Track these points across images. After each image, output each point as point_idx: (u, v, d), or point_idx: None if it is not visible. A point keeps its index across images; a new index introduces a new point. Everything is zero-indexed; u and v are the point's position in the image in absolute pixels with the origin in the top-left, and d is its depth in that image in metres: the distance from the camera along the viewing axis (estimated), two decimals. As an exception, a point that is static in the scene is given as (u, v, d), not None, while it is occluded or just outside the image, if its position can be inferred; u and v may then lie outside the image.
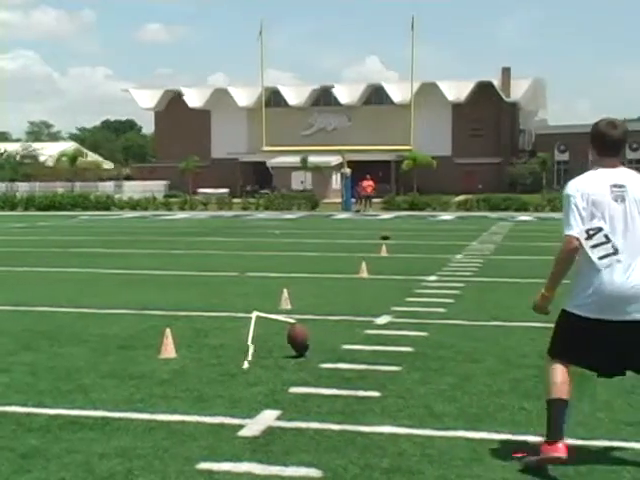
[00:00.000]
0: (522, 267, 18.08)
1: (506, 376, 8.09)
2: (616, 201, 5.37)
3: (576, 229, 5.39)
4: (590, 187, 5.42)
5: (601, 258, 5.39)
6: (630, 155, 76.20)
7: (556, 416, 5.47)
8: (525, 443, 5.95)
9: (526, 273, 16.43)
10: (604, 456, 5.78)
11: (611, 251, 5.38)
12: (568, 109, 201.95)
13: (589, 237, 5.38)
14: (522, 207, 49.78)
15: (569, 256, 5.52)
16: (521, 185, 74.14)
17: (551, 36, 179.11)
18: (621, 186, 5.40)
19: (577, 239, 5.40)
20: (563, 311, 5.57)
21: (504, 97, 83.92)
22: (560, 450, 5.31)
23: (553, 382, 5.52)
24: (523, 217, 42.21)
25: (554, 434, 5.40)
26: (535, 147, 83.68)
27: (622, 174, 5.51)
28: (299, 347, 8.89)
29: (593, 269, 5.41)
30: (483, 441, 6.05)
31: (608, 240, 5.38)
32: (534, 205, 49.83)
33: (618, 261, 5.38)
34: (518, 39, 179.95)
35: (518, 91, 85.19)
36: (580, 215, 5.39)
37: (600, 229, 5.39)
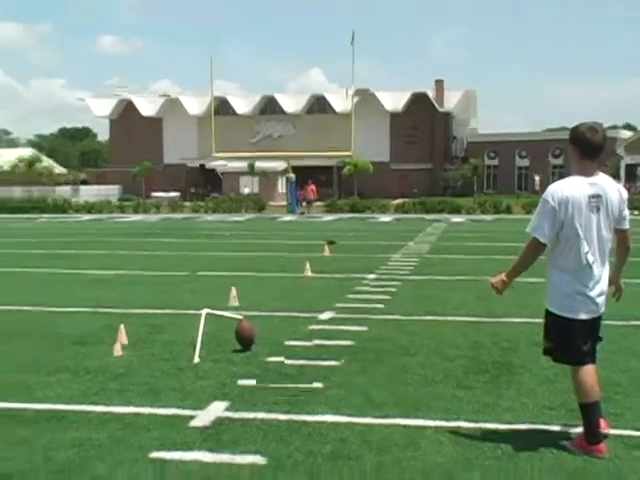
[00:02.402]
0: (455, 265, 18.19)
1: (439, 367, 8.15)
2: (591, 212, 5.48)
3: (546, 237, 5.53)
4: (570, 196, 5.46)
5: (579, 266, 5.54)
6: (553, 161, 77.16)
7: (595, 418, 5.57)
8: (466, 430, 6.01)
9: (459, 271, 16.60)
10: (529, 438, 5.87)
11: (585, 261, 5.52)
12: (496, 119, 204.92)
13: (569, 246, 5.53)
14: (455, 209, 50.05)
15: (535, 257, 5.67)
16: (451, 189, 74.63)
17: (481, 51, 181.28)
18: (597, 196, 5.50)
19: (544, 245, 5.55)
20: (559, 317, 5.62)
21: (438, 107, 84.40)
22: (605, 450, 5.48)
23: (590, 386, 5.56)
24: (456, 219, 42.45)
25: (598, 436, 5.53)
26: (467, 154, 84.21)
27: (600, 183, 5.56)
28: (246, 342, 8.90)
29: (568, 274, 5.58)
30: (419, 427, 6.11)
31: (585, 250, 5.51)
32: (466, 208, 50.17)
33: (591, 269, 5.54)
34: (450, 53, 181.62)
35: (451, 102, 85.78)
36: (553, 224, 5.49)
37: (579, 238, 5.50)
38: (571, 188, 5.50)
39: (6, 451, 5.70)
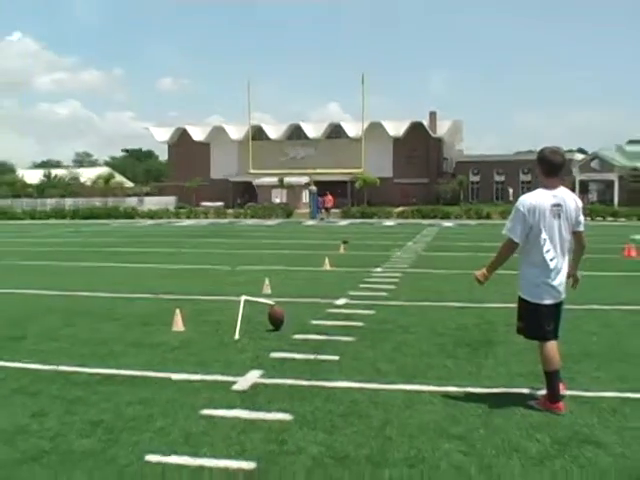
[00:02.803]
0: (446, 260, 18.16)
1: (433, 342, 8.15)
2: (554, 217, 5.56)
3: (518, 237, 5.62)
4: (536, 204, 5.56)
5: (550, 260, 5.60)
6: (523, 177, 76.95)
7: (556, 383, 5.62)
8: (454, 393, 6.02)
9: (449, 265, 16.55)
10: (504, 399, 5.87)
11: (551, 257, 5.59)
12: (479, 142, 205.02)
13: (539, 244, 5.60)
14: (446, 215, 49.94)
15: (509, 254, 5.77)
16: (443, 199, 74.49)
17: (466, 86, 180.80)
18: (558, 205, 5.58)
19: (517, 243, 5.64)
20: (529, 302, 5.68)
21: (431, 133, 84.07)
22: (562, 408, 5.54)
23: (552, 357, 5.62)
24: (447, 223, 42.33)
25: (557, 396, 5.59)
26: (455, 171, 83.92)
27: (560, 195, 5.64)
28: (277, 323, 8.91)
29: (535, 268, 5.64)
30: (416, 392, 6.11)
31: (548, 249, 5.59)
32: (455, 214, 50.05)
33: (553, 263, 5.59)
34: (442, 88, 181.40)
35: (442, 129, 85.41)
36: (523, 227, 5.58)
37: (545, 239, 5.57)
38: (538, 198, 5.59)
39: (95, 405, 5.78)
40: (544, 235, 5.53)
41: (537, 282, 5.61)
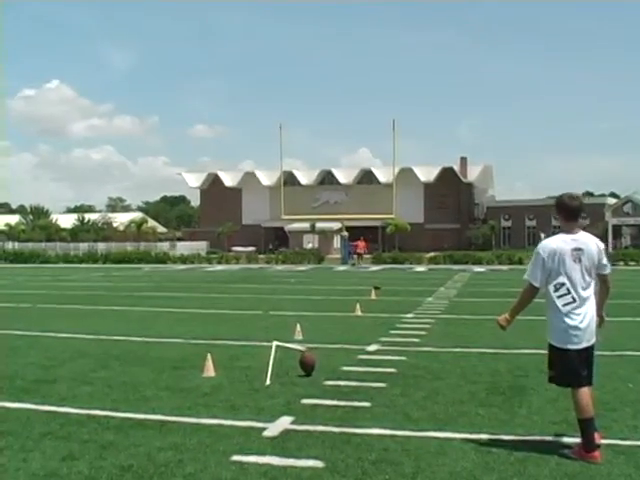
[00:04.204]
0: (478, 306, 18.03)
1: (465, 388, 8.09)
2: (574, 261, 5.59)
3: (538, 281, 5.69)
4: (557, 248, 5.63)
5: (564, 305, 5.60)
6: (554, 222, 76.56)
7: (591, 431, 5.56)
8: (486, 441, 5.96)
9: (481, 311, 16.45)
10: (538, 447, 5.80)
11: (570, 300, 5.59)
12: (509, 188, 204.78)
13: (556, 290, 5.63)
14: (477, 261, 49.63)
15: (530, 298, 5.81)
16: (474, 244, 74.25)
17: (497, 132, 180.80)
18: (579, 249, 5.62)
19: (537, 288, 5.71)
20: (558, 349, 5.66)
21: (462, 179, 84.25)
22: (598, 457, 5.46)
23: (586, 404, 5.58)
24: (478, 269, 42.10)
25: (593, 445, 5.51)
26: (486, 216, 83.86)
27: (581, 238, 5.69)
28: (308, 368, 8.90)
29: (560, 313, 5.61)
30: (448, 439, 6.06)
31: (569, 292, 5.59)
32: (486, 260, 49.76)
33: (577, 307, 5.58)
34: (473, 134, 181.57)
35: (473, 174, 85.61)
36: (543, 271, 5.64)
37: (563, 284, 5.59)
38: (558, 242, 5.66)
39: (125, 450, 5.81)
40: (564, 279, 5.55)
41: (564, 326, 5.59)
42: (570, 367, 5.60)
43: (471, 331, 13.17)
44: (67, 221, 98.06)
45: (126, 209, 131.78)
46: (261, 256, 60.87)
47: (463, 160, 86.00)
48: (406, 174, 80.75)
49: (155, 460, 5.56)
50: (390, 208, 63.04)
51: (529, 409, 7.12)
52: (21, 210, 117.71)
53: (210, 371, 8.92)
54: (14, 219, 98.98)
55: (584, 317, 5.59)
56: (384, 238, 77.02)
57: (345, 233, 56.63)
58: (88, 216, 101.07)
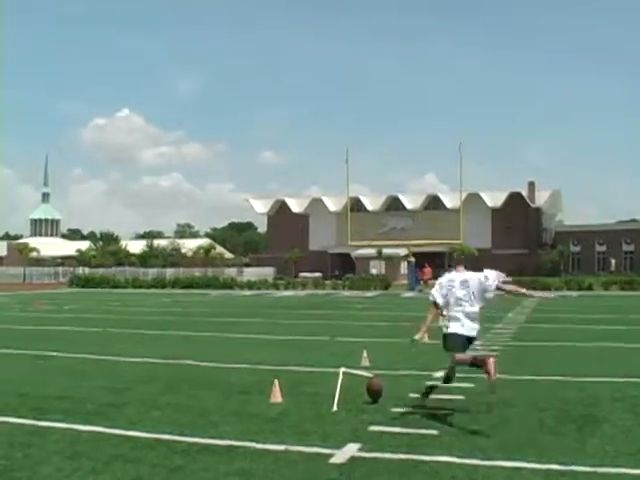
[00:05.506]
0: (547, 332, 17.68)
1: (534, 416, 7.95)
2: (461, 288, 8.21)
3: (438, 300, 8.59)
4: (450, 279, 8.40)
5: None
6: (625, 247, 75.07)
7: None
8: (556, 471, 5.84)
9: (550, 337, 16.11)
10: (611, 479, 5.65)
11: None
12: (579, 212, 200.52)
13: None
14: (546, 287, 48.77)
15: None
16: (543, 270, 73.04)
17: (564, 156, 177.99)
18: (465, 280, 8.18)
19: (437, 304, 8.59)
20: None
21: (530, 204, 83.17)
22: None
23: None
24: (546, 295, 41.29)
25: None
26: (555, 241, 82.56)
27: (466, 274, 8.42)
28: (375, 395, 8.87)
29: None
30: (516, 468, 5.95)
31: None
32: (555, 285, 48.92)
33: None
34: (541, 158, 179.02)
35: (541, 199, 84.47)
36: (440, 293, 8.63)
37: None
38: (450, 276, 8.34)
39: (193, 475, 5.86)
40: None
41: None
42: None
43: (541, 358, 12.91)
44: (136, 247, 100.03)
45: (194, 235, 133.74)
46: (327, 282, 60.97)
47: (531, 185, 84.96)
48: (473, 199, 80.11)
49: (223, 485, 5.59)
50: (457, 234, 62.45)
51: (601, 438, 6.94)
52: (91, 236, 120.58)
53: (277, 397, 8.95)
54: (85, 245, 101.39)
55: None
56: (451, 264, 76.43)
57: (412, 259, 56.33)
58: (157, 242, 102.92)
